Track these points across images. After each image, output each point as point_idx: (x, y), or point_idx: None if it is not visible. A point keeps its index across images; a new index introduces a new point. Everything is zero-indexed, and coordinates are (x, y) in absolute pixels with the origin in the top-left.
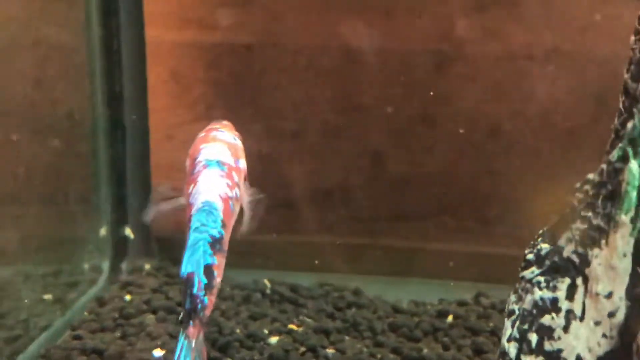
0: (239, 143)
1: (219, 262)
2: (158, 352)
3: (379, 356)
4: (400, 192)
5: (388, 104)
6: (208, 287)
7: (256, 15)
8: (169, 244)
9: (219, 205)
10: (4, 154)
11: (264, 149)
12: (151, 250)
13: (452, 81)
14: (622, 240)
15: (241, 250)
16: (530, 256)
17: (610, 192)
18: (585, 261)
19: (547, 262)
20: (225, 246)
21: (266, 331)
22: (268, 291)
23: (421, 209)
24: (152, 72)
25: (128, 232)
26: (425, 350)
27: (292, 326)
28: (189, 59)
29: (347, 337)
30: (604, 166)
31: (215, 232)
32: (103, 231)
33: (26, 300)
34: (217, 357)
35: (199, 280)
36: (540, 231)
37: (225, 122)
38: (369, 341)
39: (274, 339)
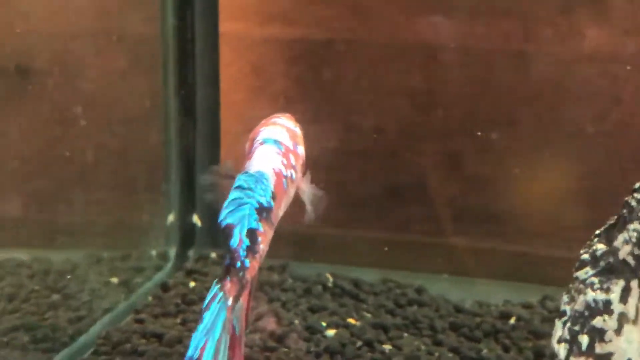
0: (298, 131)
1: (264, 231)
2: None
3: (436, 354)
4: (475, 193)
5: (467, 103)
6: (251, 250)
7: (337, 11)
8: None
9: (271, 176)
10: (78, 141)
11: (342, 143)
12: (218, 238)
13: (534, 82)
14: None
15: (307, 244)
16: (585, 256)
17: None
18: None
19: (602, 263)
20: (275, 220)
21: (324, 324)
22: (330, 284)
23: (496, 210)
24: (233, 66)
25: (196, 219)
26: (484, 351)
27: (350, 320)
28: (270, 53)
29: (405, 334)
30: None
31: (263, 201)
32: (171, 218)
33: (93, 283)
34: (273, 347)
35: (240, 237)
36: (597, 231)
37: (287, 114)
38: (428, 339)
39: (331, 332)
